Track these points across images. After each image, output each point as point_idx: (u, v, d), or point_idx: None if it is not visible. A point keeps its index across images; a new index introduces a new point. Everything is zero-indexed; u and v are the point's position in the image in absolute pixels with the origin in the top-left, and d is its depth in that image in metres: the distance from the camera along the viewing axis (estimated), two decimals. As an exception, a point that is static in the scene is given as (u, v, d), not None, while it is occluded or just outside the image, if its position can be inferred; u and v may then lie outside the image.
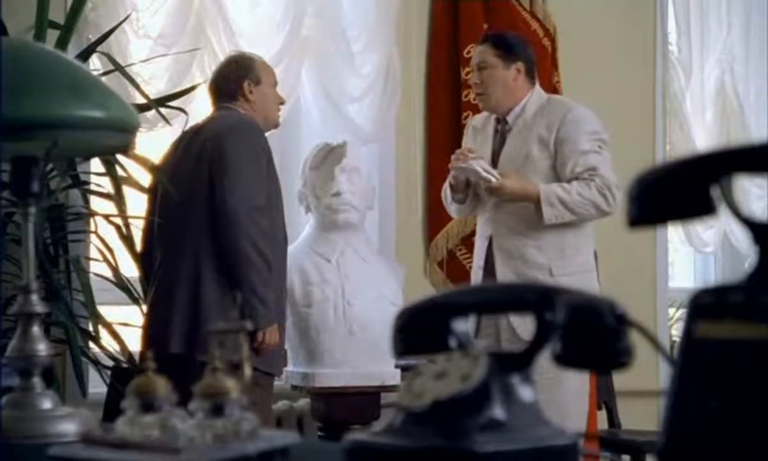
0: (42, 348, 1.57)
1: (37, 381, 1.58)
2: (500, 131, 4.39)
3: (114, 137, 1.60)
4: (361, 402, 4.30)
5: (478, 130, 4.48)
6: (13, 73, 1.49)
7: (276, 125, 4.30)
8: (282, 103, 4.32)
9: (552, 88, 5.77)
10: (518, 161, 4.27)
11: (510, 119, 4.35)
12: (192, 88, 4.53)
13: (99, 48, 4.32)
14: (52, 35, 4.20)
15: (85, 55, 4.24)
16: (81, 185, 4.31)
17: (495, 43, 4.38)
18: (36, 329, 1.59)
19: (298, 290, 4.34)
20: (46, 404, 1.57)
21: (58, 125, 1.51)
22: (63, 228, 4.28)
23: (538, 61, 5.75)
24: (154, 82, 4.56)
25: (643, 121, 6.31)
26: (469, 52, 5.49)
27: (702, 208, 0.96)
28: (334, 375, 4.30)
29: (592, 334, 1.08)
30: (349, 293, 4.35)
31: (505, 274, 4.22)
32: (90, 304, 3.94)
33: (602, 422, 5.27)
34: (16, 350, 1.57)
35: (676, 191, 0.97)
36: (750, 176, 0.96)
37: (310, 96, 5.18)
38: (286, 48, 4.96)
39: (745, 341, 0.88)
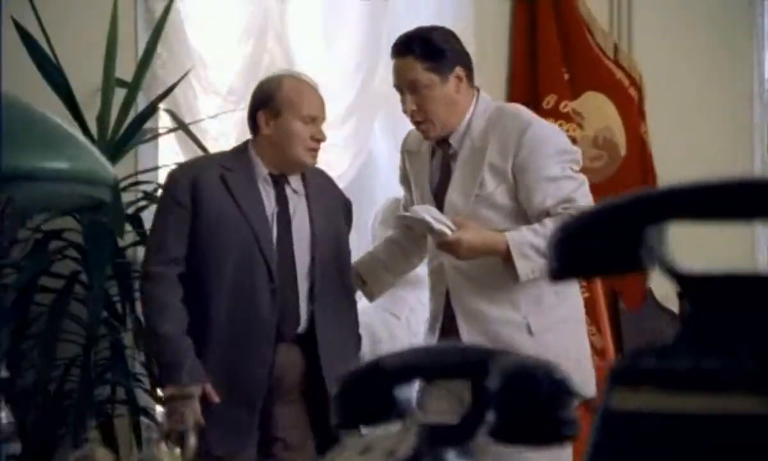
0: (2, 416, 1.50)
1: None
2: (443, 159, 3.48)
3: (84, 189, 1.53)
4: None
5: (414, 154, 3.62)
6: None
7: (302, 166, 3.50)
8: (318, 140, 3.47)
9: (640, 138, 5.62)
10: (471, 196, 3.37)
11: (453, 141, 3.43)
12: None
13: (166, 105, 4.28)
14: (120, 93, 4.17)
15: (150, 112, 4.21)
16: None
17: (423, 54, 3.39)
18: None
19: (367, 350, 4.22)
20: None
21: (16, 178, 1.44)
22: (130, 287, 4.25)
23: (625, 111, 5.61)
24: (224, 138, 4.51)
25: (741, 168, 6.08)
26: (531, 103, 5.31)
27: (628, 261, 0.83)
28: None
29: (527, 404, 0.95)
30: (419, 351, 4.22)
31: (470, 335, 3.32)
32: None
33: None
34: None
35: (601, 240, 0.85)
36: (687, 222, 0.83)
37: (383, 149, 5.09)
38: (359, 100, 4.88)
39: (658, 415, 0.75)
